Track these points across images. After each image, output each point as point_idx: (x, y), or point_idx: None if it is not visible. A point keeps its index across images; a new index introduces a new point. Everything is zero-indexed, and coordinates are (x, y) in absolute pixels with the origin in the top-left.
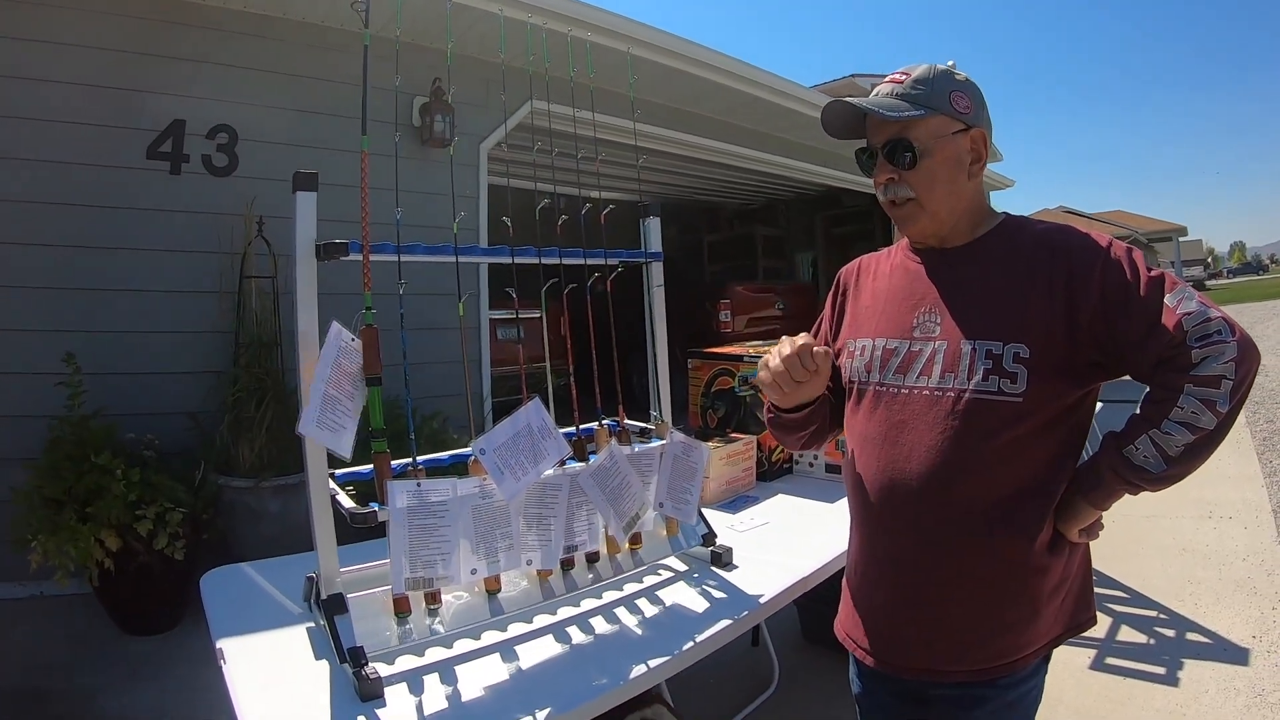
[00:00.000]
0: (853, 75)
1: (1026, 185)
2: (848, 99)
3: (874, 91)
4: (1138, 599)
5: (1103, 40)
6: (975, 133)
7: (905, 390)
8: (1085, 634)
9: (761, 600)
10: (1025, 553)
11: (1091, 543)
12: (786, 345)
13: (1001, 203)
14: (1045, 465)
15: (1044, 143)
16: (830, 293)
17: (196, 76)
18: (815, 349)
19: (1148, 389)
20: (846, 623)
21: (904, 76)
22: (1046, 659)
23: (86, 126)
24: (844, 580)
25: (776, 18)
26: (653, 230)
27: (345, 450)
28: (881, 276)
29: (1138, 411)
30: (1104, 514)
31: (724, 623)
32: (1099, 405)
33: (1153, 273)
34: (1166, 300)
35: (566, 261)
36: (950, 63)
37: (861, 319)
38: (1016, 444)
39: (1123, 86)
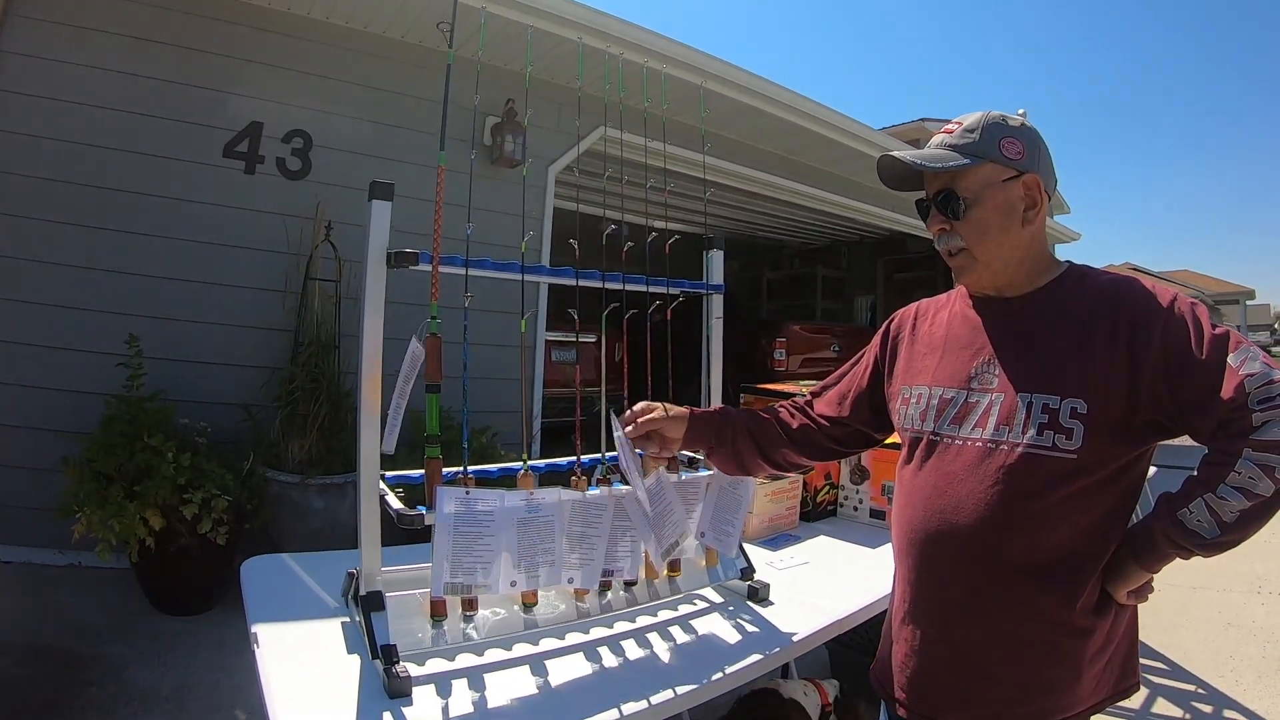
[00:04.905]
0: (922, 119)
1: (1094, 239)
2: (895, 153)
3: (929, 142)
4: (1177, 672)
5: (1174, 90)
6: (1028, 178)
7: (959, 441)
8: (1120, 704)
9: (794, 639)
10: (1069, 613)
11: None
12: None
13: (1067, 256)
14: (1095, 524)
15: (1114, 197)
16: (880, 333)
17: (276, 81)
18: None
19: (1206, 451)
20: (882, 671)
21: (956, 126)
22: None
23: (167, 121)
24: (884, 627)
25: (848, 60)
26: (715, 262)
27: (389, 447)
28: (940, 324)
29: (1194, 474)
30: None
31: (755, 657)
32: (1153, 470)
33: (1217, 330)
34: (1229, 360)
35: (629, 288)
36: (1021, 111)
37: (918, 366)
38: (1067, 501)
39: (1195, 137)
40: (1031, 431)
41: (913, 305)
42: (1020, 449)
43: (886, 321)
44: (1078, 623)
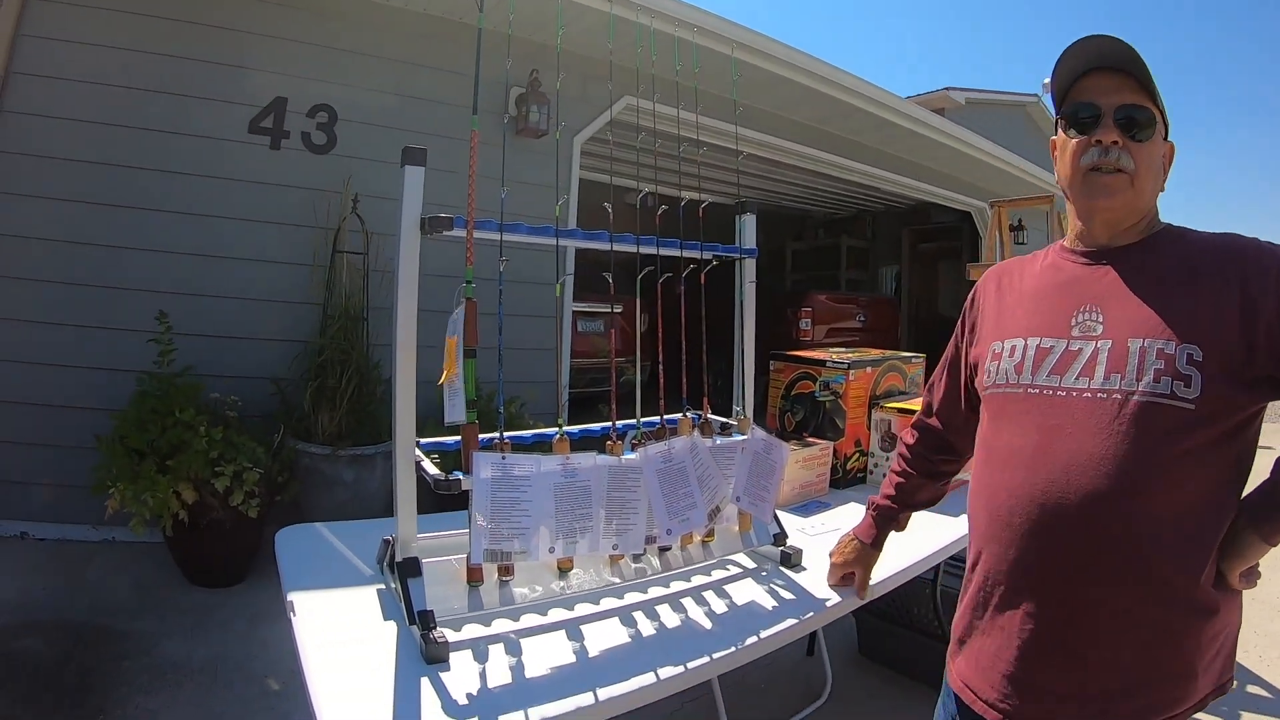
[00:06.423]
0: (946, 88)
1: None
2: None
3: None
4: None
5: (1201, 59)
6: (1170, 146)
7: (1062, 393)
8: None
9: (828, 604)
10: (1193, 587)
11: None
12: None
13: None
14: (1216, 487)
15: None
16: (963, 311)
17: (300, 56)
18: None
19: None
20: (967, 669)
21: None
22: None
23: (191, 99)
24: (959, 618)
25: (868, 31)
26: (748, 226)
27: (458, 416)
28: (1030, 276)
29: None
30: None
31: (789, 622)
32: None
33: None
34: None
35: (663, 252)
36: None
37: (1008, 319)
38: (1189, 458)
39: (1236, 100)
40: (1148, 378)
41: (993, 269)
42: (1137, 397)
43: (968, 299)
44: (1201, 599)
